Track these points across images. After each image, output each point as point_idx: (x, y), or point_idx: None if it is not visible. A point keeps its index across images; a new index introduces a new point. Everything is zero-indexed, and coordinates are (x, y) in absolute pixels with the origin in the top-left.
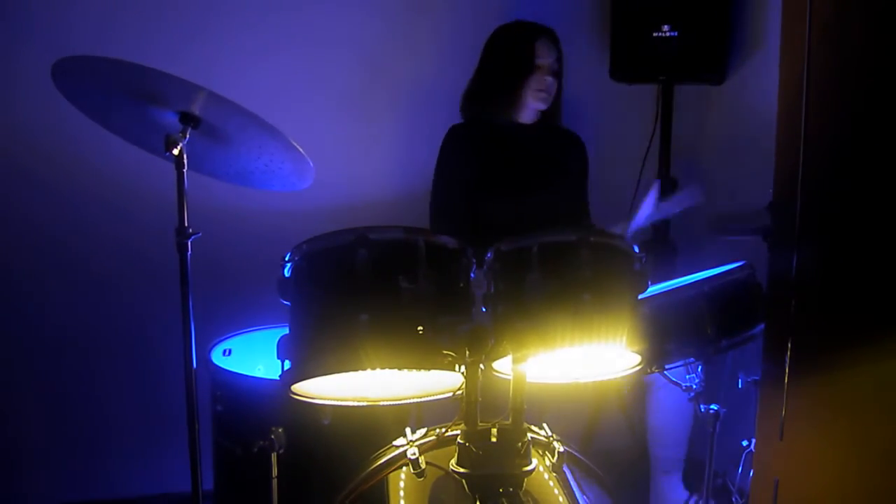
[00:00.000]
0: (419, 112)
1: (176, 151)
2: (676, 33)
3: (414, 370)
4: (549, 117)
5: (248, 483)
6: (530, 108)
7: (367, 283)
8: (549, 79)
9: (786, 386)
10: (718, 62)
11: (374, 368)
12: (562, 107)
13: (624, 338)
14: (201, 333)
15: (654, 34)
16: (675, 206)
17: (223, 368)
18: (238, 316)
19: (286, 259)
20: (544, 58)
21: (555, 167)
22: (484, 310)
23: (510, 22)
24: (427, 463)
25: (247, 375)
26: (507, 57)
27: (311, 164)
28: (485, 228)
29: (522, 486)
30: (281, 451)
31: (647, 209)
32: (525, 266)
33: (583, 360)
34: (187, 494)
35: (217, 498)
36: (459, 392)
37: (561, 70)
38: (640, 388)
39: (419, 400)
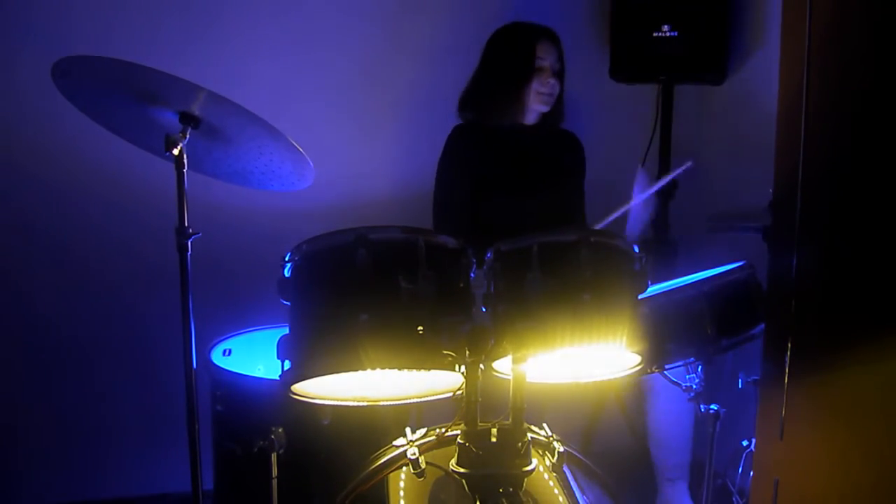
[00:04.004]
0: (419, 112)
1: (176, 151)
2: (676, 33)
3: (414, 370)
4: (550, 118)
5: (248, 483)
6: (532, 109)
7: (367, 283)
8: (552, 81)
9: (786, 386)
10: (718, 62)
11: (374, 368)
12: (564, 108)
13: (624, 338)
14: (201, 333)
15: (654, 34)
16: (668, 177)
17: (223, 368)
18: (238, 316)
19: (286, 259)
20: (545, 59)
21: (555, 169)
22: (484, 310)
23: (510, 23)
24: (427, 463)
25: (247, 375)
26: (509, 60)
27: (311, 164)
28: (485, 228)
29: (522, 486)
30: (281, 451)
31: (638, 192)
32: (525, 266)
33: (583, 360)
34: (187, 494)
35: (217, 498)
36: (459, 392)
37: (562, 70)
38: (638, 394)
39: (419, 400)
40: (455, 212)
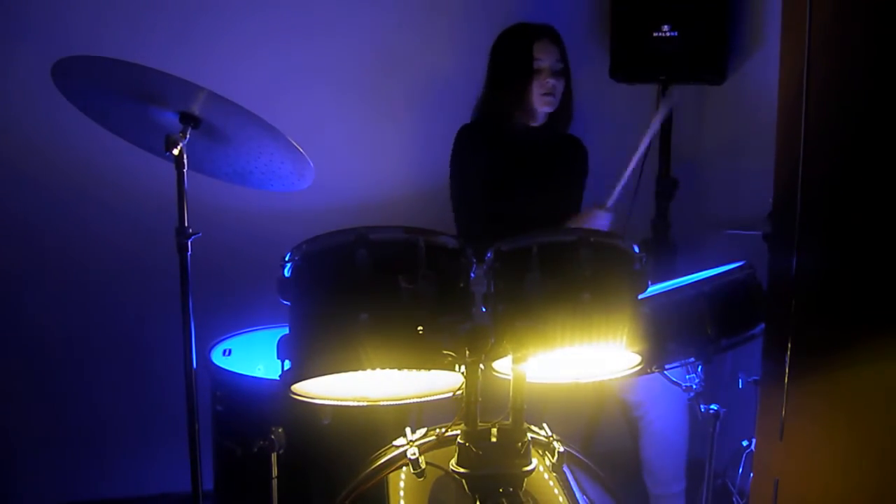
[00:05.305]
0: (423, 111)
1: (176, 151)
2: (676, 33)
3: (414, 370)
4: (558, 119)
5: (248, 483)
6: (537, 111)
7: (367, 282)
8: (552, 81)
9: (786, 386)
10: (718, 62)
11: (374, 368)
12: (572, 110)
13: (624, 337)
14: (201, 333)
15: (654, 34)
16: (658, 119)
17: (223, 368)
18: (238, 316)
19: (286, 259)
20: (544, 60)
21: (558, 171)
22: (484, 309)
23: (511, 26)
24: (427, 463)
25: (247, 375)
26: (508, 63)
27: (311, 163)
28: (489, 228)
29: (522, 486)
30: (281, 451)
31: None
32: (525, 265)
33: (583, 360)
34: (187, 494)
35: (217, 498)
36: (459, 392)
37: (566, 70)
38: (630, 427)
39: (419, 400)
40: (471, 210)
